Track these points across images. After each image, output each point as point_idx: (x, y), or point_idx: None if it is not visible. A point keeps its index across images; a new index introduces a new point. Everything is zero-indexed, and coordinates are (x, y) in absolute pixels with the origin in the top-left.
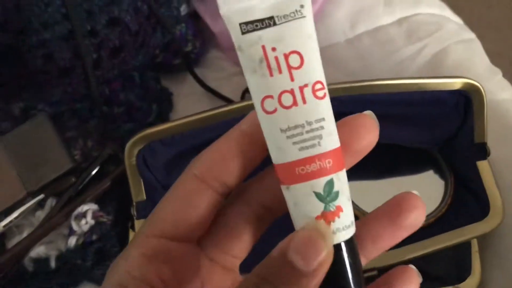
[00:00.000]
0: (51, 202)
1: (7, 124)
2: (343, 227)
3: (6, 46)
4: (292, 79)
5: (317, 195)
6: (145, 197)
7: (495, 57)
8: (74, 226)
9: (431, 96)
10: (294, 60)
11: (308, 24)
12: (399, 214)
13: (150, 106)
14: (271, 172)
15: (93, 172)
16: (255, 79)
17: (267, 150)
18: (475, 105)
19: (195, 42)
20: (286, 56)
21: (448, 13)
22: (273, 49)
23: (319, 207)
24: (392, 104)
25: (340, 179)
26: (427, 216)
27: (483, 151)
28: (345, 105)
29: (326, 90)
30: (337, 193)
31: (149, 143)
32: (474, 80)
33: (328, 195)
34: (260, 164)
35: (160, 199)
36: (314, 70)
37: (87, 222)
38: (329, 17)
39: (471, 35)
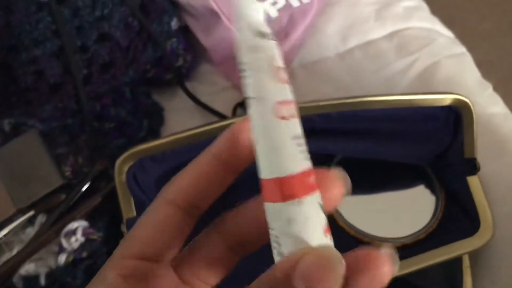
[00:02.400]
0: (41, 219)
1: None
2: None
3: None
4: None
5: (321, 207)
6: (135, 214)
7: (488, 67)
8: (64, 243)
9: (421, 112)
10: None
11: None
12: (351, 275)
13: (141, 122)
14: (247, 206)
15: (84, 189)
16: (270, 83)
17: (236, 173)
18: (464, 120)
19: (186, 57)
20: None
21: (439, 27)
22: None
23: (324, 220)
24: (383, 120)
25: None
26: (418, 232)
27: (473, 167)
28: (335, 121)
29: None
30: None
31: (139, 159)
32: (463, 96)
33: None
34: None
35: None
36: None
37: (77, 239)
38: (320, 31)
39: (462, 49)
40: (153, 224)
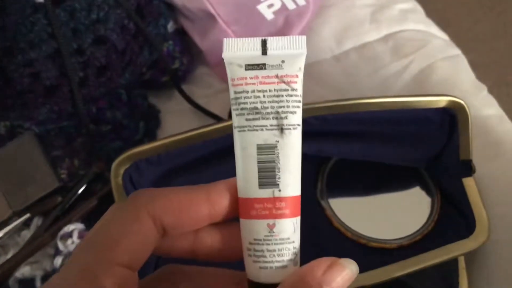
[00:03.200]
0: (37, 222)
1: None
2: None
3: None
4: None
5: None
6: None
7: (483, 69)
8: (60, 246)
9: (417, 114)
10: None
11: None
12: None
13: (137, 124)
14: None
15: (80, 191)
16: None
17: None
18: (460, 122)
19: (182, 59)
20: None
21: (433, 29)
22: None
23: None
24: (378, 122)
25: None
26: (414, 233)
27: (468, 168)
28: (331, 123)
29: None
30: None
31: (135, 162)
32: (458, 98)
33: None
34: None
35: (113, 218)
36: None
37: (73, 242)
38: (316, 34)
39: (457, 51)
40: (139, 236)
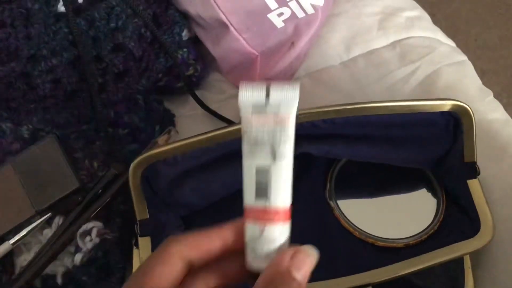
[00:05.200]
0: (58, 221)
1: (16, 145)
2: None
3: (18, 73)
4: None
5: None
6: (148, 216)
7: (492, 76)
8: (80, 243)
9: (422, 118)
10: None
11: None
12: None
13: (154, 128)
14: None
15: (99, 192)
16: None
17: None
18: (464, 126)
19: (196, 66)
20: None
21: (440, 36)
22: None
23: None
24: (385, 125)
25: None
26: (420, 233)
27: (473, 170)
28: (339, 127)
29: None
30: None
31: (152, 163)
32: (463, 102)
33: None
34: None
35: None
36: None
37: (92, 239)
38: (325, 41)
39: (463, 57)
40: (169, 279)
